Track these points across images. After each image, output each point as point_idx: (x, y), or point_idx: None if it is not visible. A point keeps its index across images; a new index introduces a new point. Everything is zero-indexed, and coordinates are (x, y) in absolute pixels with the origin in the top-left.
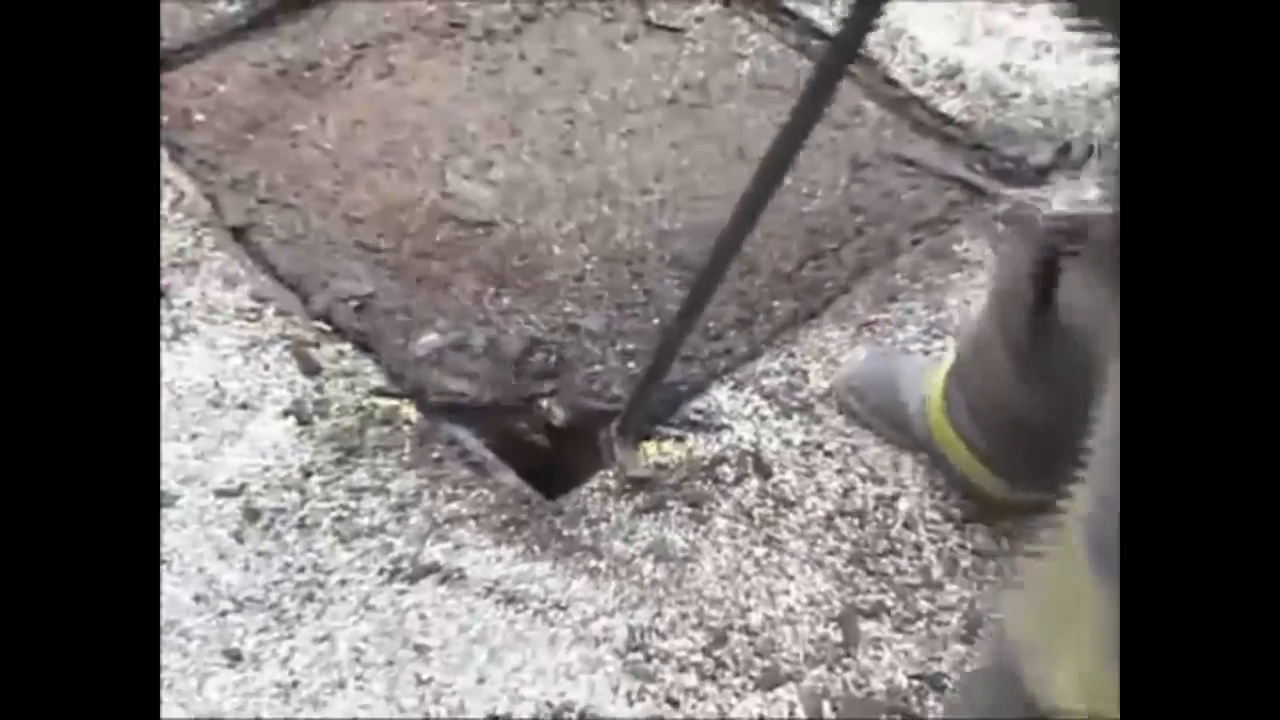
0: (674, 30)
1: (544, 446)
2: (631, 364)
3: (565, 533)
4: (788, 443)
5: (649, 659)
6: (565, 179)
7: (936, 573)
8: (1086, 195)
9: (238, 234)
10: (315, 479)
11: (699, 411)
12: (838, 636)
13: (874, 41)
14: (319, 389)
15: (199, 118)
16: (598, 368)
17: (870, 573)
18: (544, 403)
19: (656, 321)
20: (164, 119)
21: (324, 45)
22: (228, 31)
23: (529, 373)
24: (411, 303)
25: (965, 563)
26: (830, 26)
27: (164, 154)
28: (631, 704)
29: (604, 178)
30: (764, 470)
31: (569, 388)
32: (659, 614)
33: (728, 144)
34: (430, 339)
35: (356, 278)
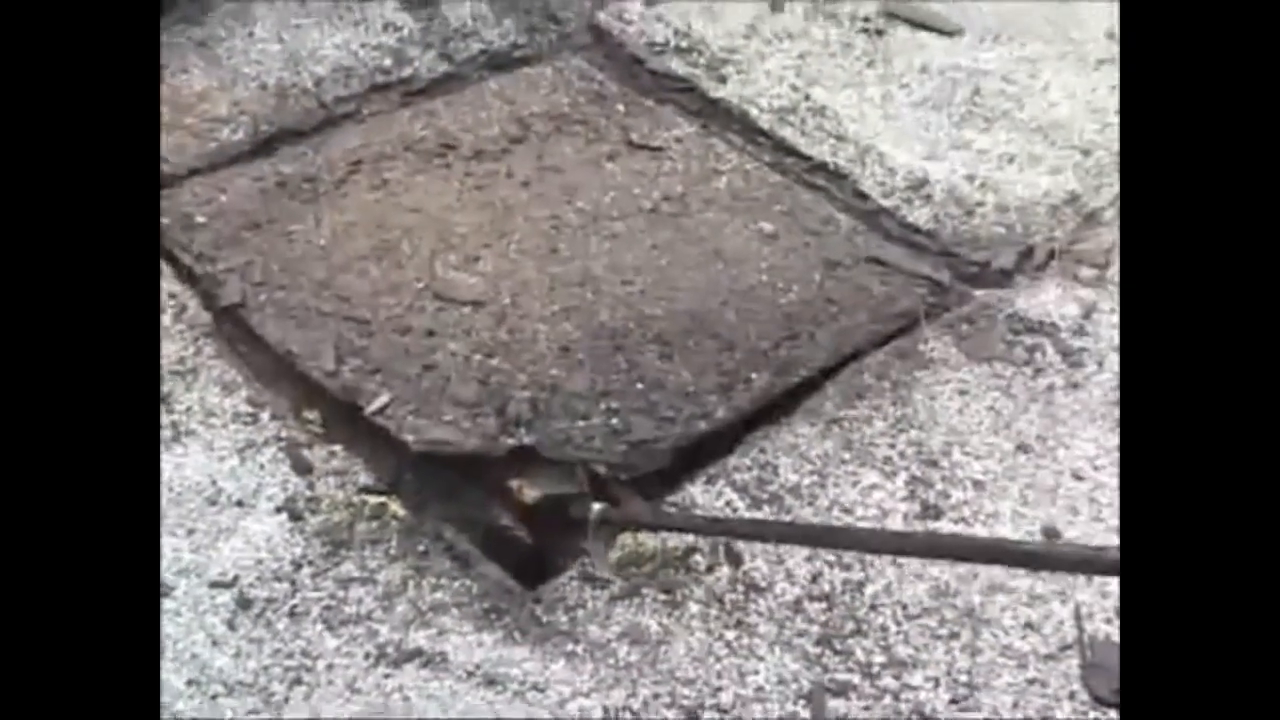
0: (654, 149)
1: (526, 541)
2: (614, 420)
3: (544, 619)
4: None
5: None
6: (550, 271)
7: (902, 652)
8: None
9: (231, 311)
10: (306, 570)
11: (673, 505)
12: (806, 714)
13: (845, 157)
14: (311, 487)
15: (200, 219)
16: (580, 423)
17: (838, 653)
18: (514, 483)
19: (640, 386)
20: (165, 224)
21: (321, 163)
22: (230, 156)
23: (513, 423)
24: (398, 364)
25: (928, 642)
26: (804, 145)
27: (168, 270)
28: None
29: (587, 271)
30: (735, 559)
31: (550, 443)
32: (633, 694)
33: (706, 245)
34: (415, 397)
35: (347, 344)
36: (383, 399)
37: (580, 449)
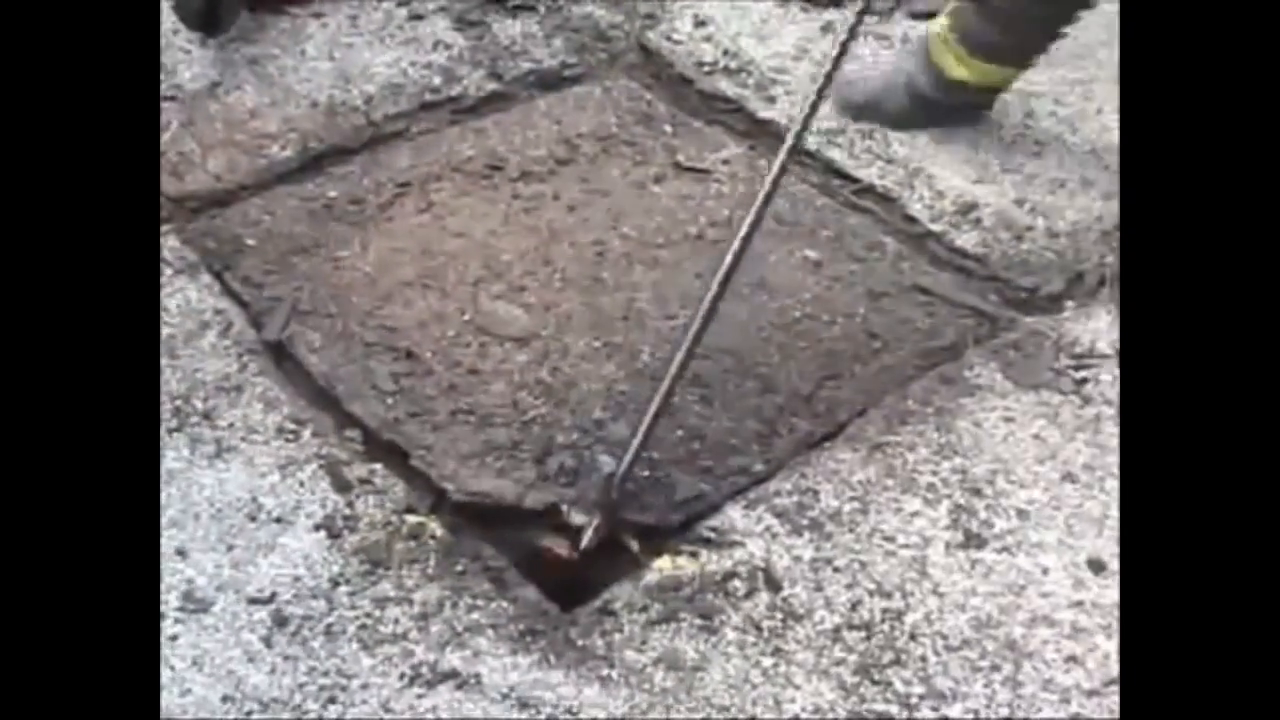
0: (701, 172)
1: (564, 562)
2: (655, 473)
3: (580, 642)
4: (798, 559)
5: None
6: (594, 303)
7: (941, 683)
8: (1099, 324)
9: (278, 349)
10: (343, 589)
11: (712, 529)
12: None
13: (893, 180)
14: (350, 505)
15: (249, 242)
16: (622, 473)
17: (875, 683)
18: (564, 507)
19: (680, 433)
20: (214, 246)
21: (368, 184)
22: (279, 174)
23: (553, 475)
24: (441, 403)
25: (968, 674)
26: (852, 167)
27: (216, 286)
28: None
29: (631, 304)
30: (774, 585)
31: (591, 492)
32: None
33: (750, 274)
34: (458, 440)
35: (390, 380)
36: (423, 443)
37: (620, 505)
